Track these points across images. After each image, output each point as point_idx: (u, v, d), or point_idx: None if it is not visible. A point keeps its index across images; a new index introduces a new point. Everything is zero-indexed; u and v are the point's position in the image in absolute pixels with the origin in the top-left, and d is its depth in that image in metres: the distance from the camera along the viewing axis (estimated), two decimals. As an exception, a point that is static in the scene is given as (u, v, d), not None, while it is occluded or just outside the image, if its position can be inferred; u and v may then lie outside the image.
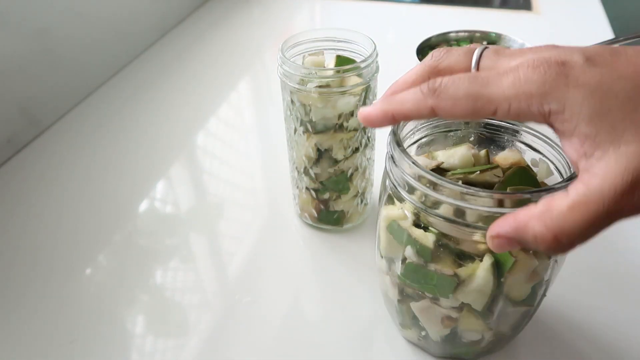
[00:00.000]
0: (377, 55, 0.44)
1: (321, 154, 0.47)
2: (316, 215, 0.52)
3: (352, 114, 0.45)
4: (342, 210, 0.51)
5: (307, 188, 0.50)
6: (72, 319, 0.46)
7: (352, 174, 0.49)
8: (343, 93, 0.43)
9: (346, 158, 0.47)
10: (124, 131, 0.71)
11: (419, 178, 0.30)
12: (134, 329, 0.45)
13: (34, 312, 0.46)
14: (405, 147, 0.34)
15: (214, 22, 1.03)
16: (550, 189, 0.28)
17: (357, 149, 0.47)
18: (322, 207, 0.51)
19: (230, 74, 0.86)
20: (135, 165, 0.65)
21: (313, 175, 0.48)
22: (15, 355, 0.43)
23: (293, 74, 0.43)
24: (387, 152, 0.33)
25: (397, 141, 0.32)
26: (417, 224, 0.33)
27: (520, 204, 0.29)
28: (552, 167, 0.36)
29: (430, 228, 0.32)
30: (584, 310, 0.45)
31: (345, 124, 0.45)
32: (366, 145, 0.48)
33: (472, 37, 0.61)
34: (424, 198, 0.31)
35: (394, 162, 0.32)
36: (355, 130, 0.46)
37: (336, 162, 0.47)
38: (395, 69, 0.83)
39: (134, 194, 0.60)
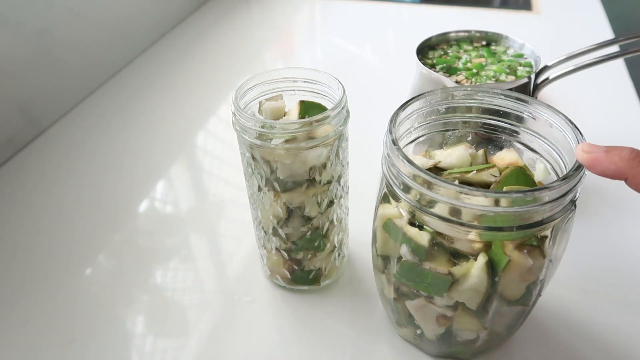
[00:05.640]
0: (347, 99, 0.39)
1: (291, 212, 0.41)
2: (289, 276, 0.46)
3: (324, 166, 0.39)
4: (318, 269, 0.46)
5: (277, 249, 0.44)
6: (72, 319, 0.46)
7: (327, 230, 0.43)
8: (313, 147, 0.38)
9: (320, 214, 0.42)
10: (124, 131, 0.72)
11: (414, 177, 0.30)
12: (134, 329, 0.45)
13: (33, 312, 0.47)
14: (401, 146, 0.34)
15: (214, 22, 1.04)
16: (545, 189, 0.29)
17: (332, 202, 0.42)
18: (295, 267, 0.45)
19: (230, 74, 0.86)
20: (135, 165, 0.65)
21: (283, 236, 0.43)
22: (15, 355, 0.43)
23: (252, 128, 0.37)
24: (383, 151, 0.34)
25: (393, 140, 0.32)
26: (412, 223, 0.33)
27: (515, 203, 0.29)
28: (549, 167, 0.36)
29: (425, 227, 0.33)
30: (580, 310, 0.45)
31: (317, 178, 0.40)
32: (342, 196, 0.43)
33: (472, 37, 0.61)
34: (419, 197, 0.31)
35: (390, 161, 0.32)
36: (329, 182, 0.41)
37: (309, 219, 0.42)
38: (395, 69, 0.84)
39: (134, 194, 0.60)
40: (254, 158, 0.39)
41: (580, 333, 0.43)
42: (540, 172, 0.36)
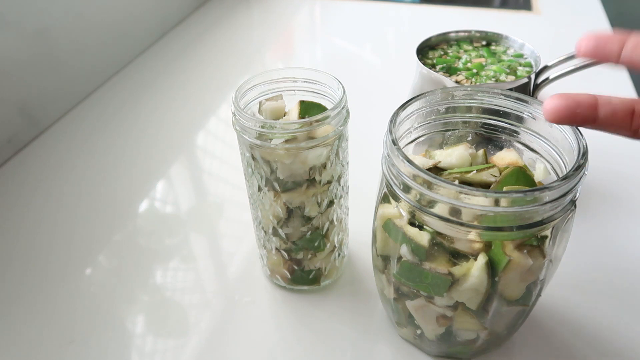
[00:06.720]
0: (347, 99, 0.39)
1: (291, 212, 0.41)
2: (289, 276, 0.46)
3: (324, 166, 0.39)
4: (318, 269, 0.46)
5: (277, 249, 0.44)
6: (71, 319, 0.46)
7: (327, 230, 0.43)
8: (313, 147, 0.38)
9: (320, 214, 0.42)
10: (124, 131, 0.72)
11: (414, 177, 0.30)
12: (134, 329, 0.45)
13: (33, 312, 0.47)
14: (401, 146, 0.34)
15: (214, 22, 1.04)
16: (545, 189, 0.29)
17: (332, 202, 0.42)
18: (295, 267, 0.45)
19: (230, 74, 0.86)
20: (135, 165, 0.65)
21: (284, 236, 0.43)
22: (14, 355, 0.43)
23: (252, 128, 0.37)
24: (383, 151, 0.34)
25: (393, 140, 0.32)
26: (412, 223, 0.33)
27: (515, 203, 0.29)
28: (549, 167, 0.36)
29: (425, 227, 0.33)
30: (580, 310, 0.45)
31: (317, 178, 0.40)
32: (342, 196, 0.43)
33: (471, 37, 0.61)
34: (419, 197, 0.31)
35: (390, 161, 0.32)
36: (329, 182, 0.41)
37: (309, 219, 0.42)
38: (395, 69, 0.84)
39: (134, 194, 0.60)
40: (254, 158, 0.39)
41: (580, 333, 0.43)
42: (540, 172, 0.36)
